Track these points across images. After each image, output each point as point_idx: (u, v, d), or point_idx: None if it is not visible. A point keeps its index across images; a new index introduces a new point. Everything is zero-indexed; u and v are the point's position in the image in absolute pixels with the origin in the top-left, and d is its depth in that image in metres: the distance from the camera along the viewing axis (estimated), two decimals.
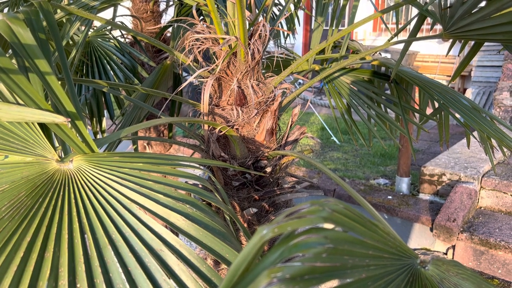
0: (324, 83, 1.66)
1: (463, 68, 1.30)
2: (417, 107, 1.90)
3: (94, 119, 2.15)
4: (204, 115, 1.14)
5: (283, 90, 1.25)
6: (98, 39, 2.36)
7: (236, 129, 1.19)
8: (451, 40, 1.35)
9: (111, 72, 2.23)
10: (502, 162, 3.74)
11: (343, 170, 4.41)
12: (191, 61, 1.21)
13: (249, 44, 1.12)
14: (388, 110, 2.24)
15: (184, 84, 1.12)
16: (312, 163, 1.01)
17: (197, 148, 1.26)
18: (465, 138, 4.29)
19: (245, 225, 1.23)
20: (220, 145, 1.22)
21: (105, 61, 2.26)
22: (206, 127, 1.16)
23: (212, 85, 1.23)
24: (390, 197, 3.59)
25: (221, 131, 1.14)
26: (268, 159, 1.21)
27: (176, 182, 0.73)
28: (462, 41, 1.19)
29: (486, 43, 6.31)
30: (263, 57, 1.25)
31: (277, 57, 1.65)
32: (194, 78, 1.18)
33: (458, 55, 1.62)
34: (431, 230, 3.23)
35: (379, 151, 4.83)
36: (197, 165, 0.93)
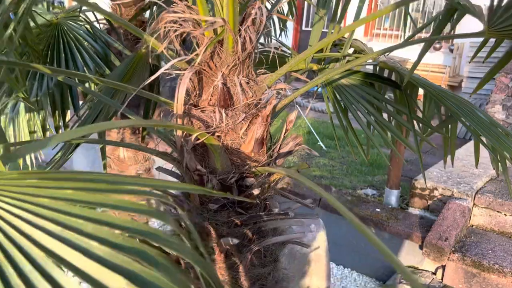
0: (323, 85, 1.43)
1: (491, 76, 1.09)
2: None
3: (57, 111, 1.88)
4: (178, 117, 0.90)
5: (277, 92, 1.02)
6: (69, 22, 2.09)
7: (218, 136, 0.95)
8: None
9: (80, 59, 1.96)
10: (495, 178, 3.58)
11: (329, 178, 4.21)
12: (165, 48, 0.97)
13: (239, 30, 0.89)
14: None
15: (154, 76, 0.87)
16: (312, 187, 0.78)
17: (168, 157, 1.02)
18: (456, 150, 4.13)
19: (222, 255, 1.00)
20: (196, 155, 0.98)
21: (74, 46, 2.00)
22: (179, 132, 0.92)
23: (191, 79, 0.99)
24: (378, 210, 3.40)
25: (199, 139, 0.90)
26: (256, 176, 0.98)
27: (121, 219, 0.49)
28: (496, 41, 0.98)
29: (479, 54, 6.20)
30: (256, 49, 1.02)
31: (272, 51, 1.42)
32: (170, 70, 0.94)
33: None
34: (421, 248, 3.05)
35: (367, 160, 4.65)
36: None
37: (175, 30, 0.91)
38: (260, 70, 1.04)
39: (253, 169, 0.96)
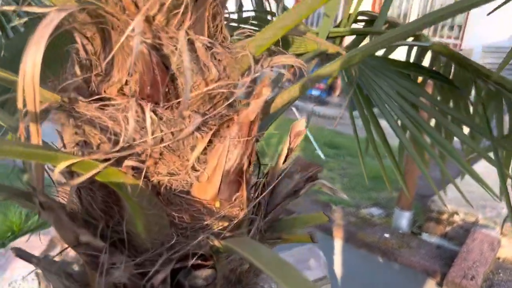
0: (354, 74, 0.90)
1: None
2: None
3: None
4: (33, 118, 0.36)
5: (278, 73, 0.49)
6: None
7: (135, 169, 0.42)
8: None
9: None
10: None
11: (328, 193, 3.68)
12: None
13: None
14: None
15: None
16: None
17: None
18: (478, 163, 3.63)
19: None
20: (97, 203, 0.45)
21: None
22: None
23: (88, 38, 0.45)
24: (387, 235, 2.88)
25: (89, 174, 0.36)
26: (219, 256, 0.44)
27: None
28: None
29: (493, 61, 5.73)
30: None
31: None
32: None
33: None
34: (439, 284, 2.53)
35: (371, 173, 4.12)
36: None
37: None
38: (240, 30, 0.51)
39: (214, 242, 0.42)
